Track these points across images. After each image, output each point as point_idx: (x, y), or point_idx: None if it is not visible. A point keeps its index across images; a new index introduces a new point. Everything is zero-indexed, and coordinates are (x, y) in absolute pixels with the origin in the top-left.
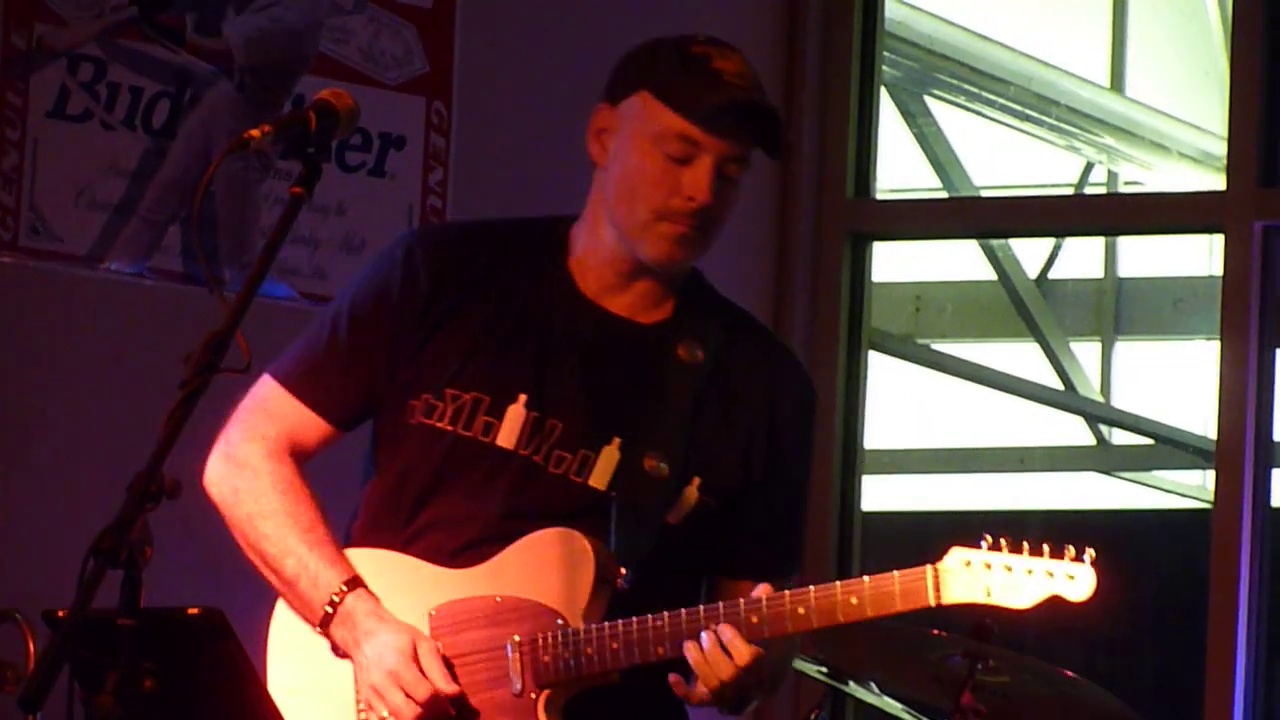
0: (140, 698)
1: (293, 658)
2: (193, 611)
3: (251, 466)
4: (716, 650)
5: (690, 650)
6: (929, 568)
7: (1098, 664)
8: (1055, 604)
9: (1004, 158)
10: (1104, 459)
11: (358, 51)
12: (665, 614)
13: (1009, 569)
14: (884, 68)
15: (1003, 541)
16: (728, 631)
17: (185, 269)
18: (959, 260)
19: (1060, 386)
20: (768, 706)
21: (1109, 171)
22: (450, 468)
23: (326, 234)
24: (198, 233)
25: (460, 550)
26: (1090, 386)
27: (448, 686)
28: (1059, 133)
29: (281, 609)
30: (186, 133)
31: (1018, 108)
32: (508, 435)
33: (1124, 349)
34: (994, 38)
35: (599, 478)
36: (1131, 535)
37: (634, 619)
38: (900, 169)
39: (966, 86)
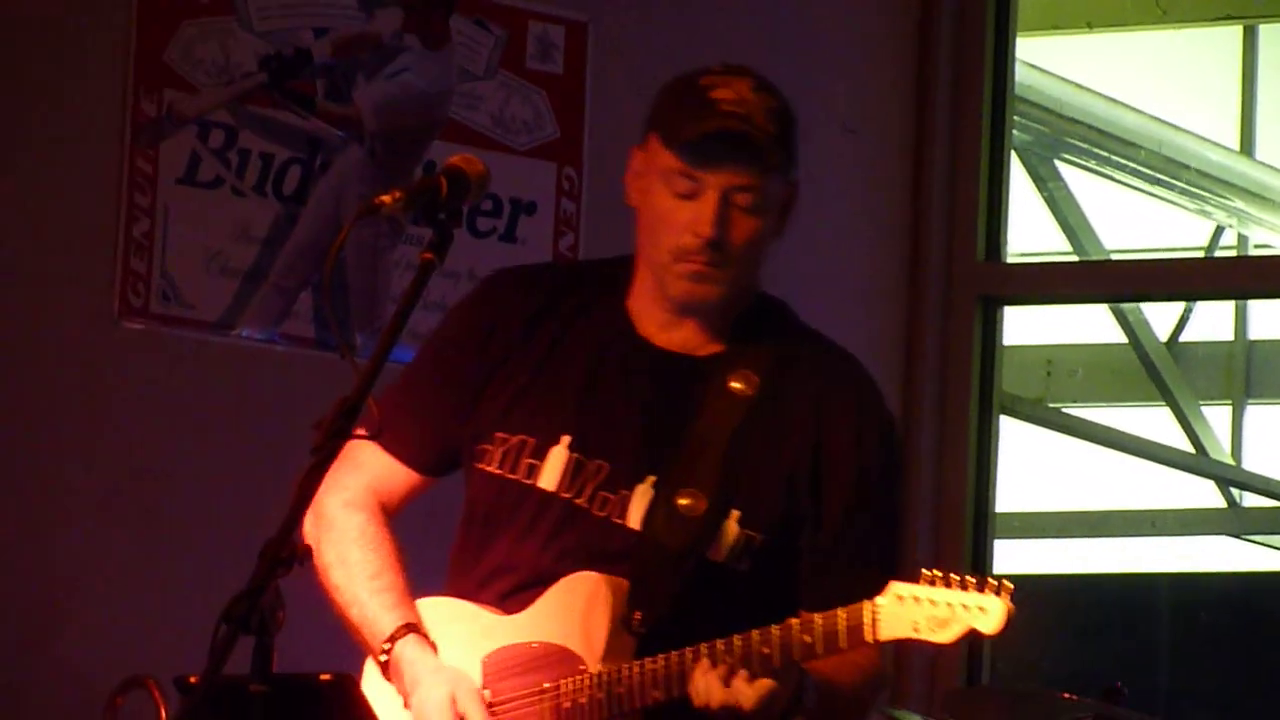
0: None
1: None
2: (325, 677)
3: (328, 518)
4: (717, 689)
5: (692, 690)
6: (867, 605)
7: None
8: (972, 636)
9: (1134, 221)
10: (1235, 522)
11: (488, 117)
12: (661, 656)
13: (934, 603)
14: (1014, 132)
15: (936, 574)
16: (723, 671)
17: (317, 335)
18: (1090, 323)
19: (1191, 449)
20: None
21: (1239, 235)
22: (499, 512)
23: (458, 299)
24: (329, 298)
25: (512, 594)
26: (1221, 449)
27: None
28: (1189, 196)
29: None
30: (317, 199)
31: (1147, 171)
32: (550, 477)
33: (1255, 412)
34: (1123, 101)
35: (634, 517)
36: (1263, 598)
37: (639, 661)
38: (1031, 232)
39: (1096, 150)
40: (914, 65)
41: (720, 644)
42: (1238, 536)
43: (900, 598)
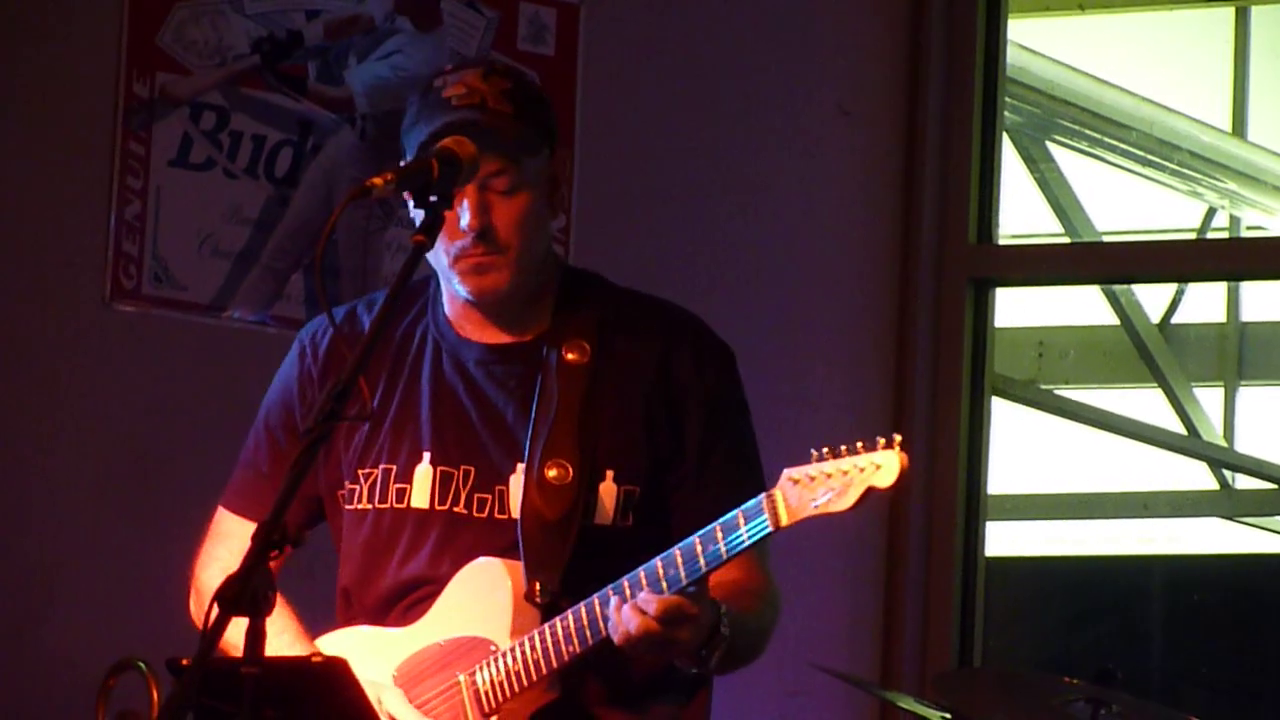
0: None
1: None
2: (316, 659)
3: (205, 590)
4: (630, 609)
5: (612, 629)
6: (764, 496)
7: (1221, 710)
8: (873, 495)
9: (1126, 203)
10: (1227, 504)
11: None
12: (569, 611)
13: (829, 475)
14: (1005, 113)
15: (826, 450)
16: (640, 595)
17: (308, 317)
18: (1081, 305)
19: (1183, 431)
20: None
21: (1231, 216)
22: (379, 542)
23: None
24: (320, 280)
25: (413, 608)
26: (1213, 431)
27: None
28: (1181, 178)
29: None
30: (309, 181)
31: (1139, 153)
32: (421, 496)
33: (1247, 393)
34: (1115, 83)
35: (515, 508)
36: (1255, 580)
37: (548, 623)
38: (1022, 214)
39: (1088, 132)
40: (907, 47)
41: (625, 581)
42: (1230, 518)
43: (794, 480)
